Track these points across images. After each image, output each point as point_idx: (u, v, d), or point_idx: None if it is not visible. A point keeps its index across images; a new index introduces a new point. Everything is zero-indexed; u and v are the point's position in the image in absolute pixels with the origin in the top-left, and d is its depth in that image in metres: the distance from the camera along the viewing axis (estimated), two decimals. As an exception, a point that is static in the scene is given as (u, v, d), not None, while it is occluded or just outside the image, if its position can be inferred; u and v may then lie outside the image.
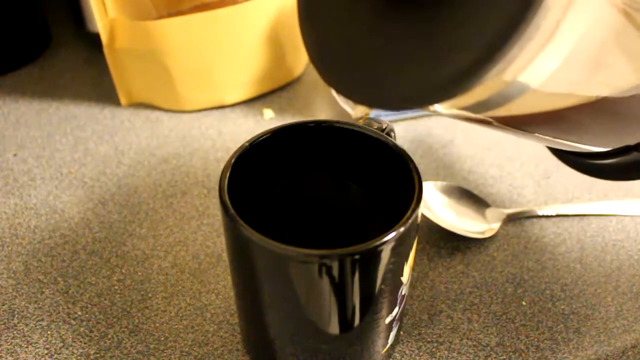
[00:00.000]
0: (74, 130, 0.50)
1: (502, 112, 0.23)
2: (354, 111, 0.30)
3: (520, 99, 0.22)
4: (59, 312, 0.38)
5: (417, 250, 0.40)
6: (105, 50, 0.49)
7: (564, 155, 0.33)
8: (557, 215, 0.43)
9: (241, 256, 0.30)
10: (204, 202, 0.44)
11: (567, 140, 0.28)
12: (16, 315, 0.37)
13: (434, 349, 0.36)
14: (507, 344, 0.36)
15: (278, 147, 0.33)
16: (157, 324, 0.37)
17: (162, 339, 0.36)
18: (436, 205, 0.42)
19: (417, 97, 0.21)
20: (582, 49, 0.21)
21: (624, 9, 0.21)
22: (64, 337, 0.36)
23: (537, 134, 0.28)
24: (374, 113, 0.50)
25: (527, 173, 0.47)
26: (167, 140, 0.49)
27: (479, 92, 0.20)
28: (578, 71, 0.22)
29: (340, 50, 0.25)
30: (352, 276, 0.28)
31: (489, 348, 0.36)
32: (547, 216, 0.43)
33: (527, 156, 0.48)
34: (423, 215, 0.41)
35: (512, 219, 0.43)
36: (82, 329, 0.37)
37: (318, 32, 0.26)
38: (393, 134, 0.35)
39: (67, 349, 0.36)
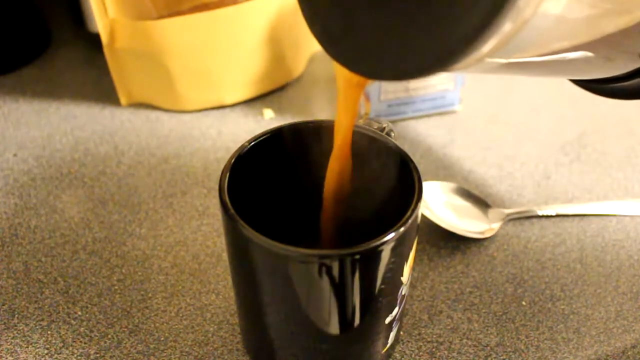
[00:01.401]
0: (74, 130, 0.50)
1: (532, 51, 0.23)
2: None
3: (547, 34, 0.22)
4: (59, 312, 0.38)
5: (417, 250, 0.40)
6: (105, 50, 0.49)
7: (586, 84, 0.33)
8: (557, 215, 0.43)
9: (241, 256, 0.30)
10: (204, 202, 0.44)
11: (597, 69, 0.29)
12: (16, 315, 0.37)
13: (434, 349, 0.36)
14: (507, 344, 0.36)
15: (278, 147, 0.33)
16: (157, 324, 0.37)
17: (162, 339, 0.36)
18: (436, 205, 0.42)
19: (424, 65, 0.21)
20: None
21: None
22: (64, 337, 0.36)
23: (569, 69, 0.28)
24: (373, 113, 0.50)
25: (527, 173, 0.47)
26: (167, 140, 0.49)
27: (501, 39, 0.20)
28: None
29: (342, 24, 0.24)
30: (352, 276, 0.28)
31: (489, 348, 0.36)
32: (547, 216, 0.43)
33: (527, 156, 0.48)
34: (423, 215, 0.41)
35: (512, 219, 0.43)
36: (82, 329, 0.37)
37: (317, 7, 0.26)
38: (393, 134, 0.35)
39: (67, 349, 0.36)
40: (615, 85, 0.31)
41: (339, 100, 0.30)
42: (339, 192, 0.32)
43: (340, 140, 0.30)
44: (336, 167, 0.31)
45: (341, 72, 0.29)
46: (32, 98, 0.53)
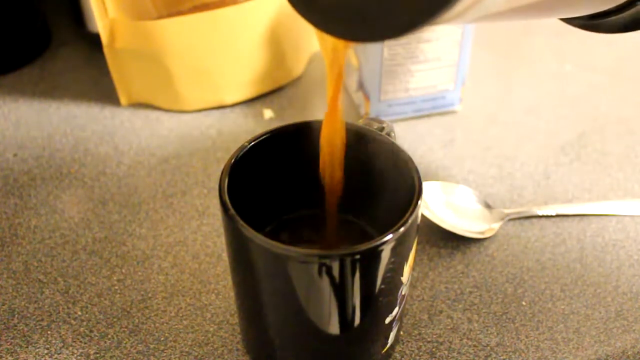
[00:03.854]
0: (74, 130, 0.50)
1: None
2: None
3: None
4: (59, 312, 0.38)
5: (417, 250, 0.40)
6: (105, 50, 0.49)
7: (579, 22, 0.33)
8: (557, 215, 0.43)
9: (241, 256, 0.30)
10: (204, 202, 0.44)
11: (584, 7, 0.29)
12: (16, 315, 0.37)
13: (434, 349, 0.36)
14: (507, 344, 0.36)
15: (278, 147, 0.33)
16: (157, 324, 0.37)
17: (162, 339, 0.36)
18: (436, 205, 0.42)
19: (413, 19, 0.21)
20: None
21: None
22: (64, 337, 0.36)
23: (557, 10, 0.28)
24: (373, 113, 0.50)
25: (527, 173, 0.47)
26: (167, 140, 0.49)
27: None
28: None
29: None
30: (352, 276, 0.28)
31: (489, 348, 0.36)
32: (547, 216, 0.43)
33: (527, 156, 0.48)
34: (423, 215, 0.41)
35: (512, 219, 0.43)
36: (82, 329, 0.37)
37: None
38: (393, 134, 0.35)
39: (67, 349, 0.36)
40: (609, 19, 0.30)
41: (328, 62, 0.29)
42: (332, 165, 0.32)
43: (331, 96, 0.30)
44: (327, 131, 0.31)
45: (328, 40, 0.28)
46: (32, 98, 0.53)
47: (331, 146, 0.32)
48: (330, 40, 0.29)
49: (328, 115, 0.31)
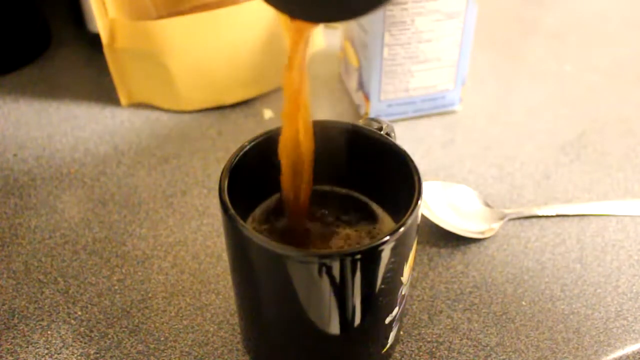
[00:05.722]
0: (74, 130, 0.50)
1: None
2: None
3: None
4: (59, 312, 0.38)
5: (417, 250, 0.40)
6: (105, 50, 0.49)
7: None
8: (557, 215, 0.43)
9: (241, 256, 0.30)
10: (204, 202, 0.44)
11: None
12: (16, 315, 0.37)
13: (434, 349, 0.36)
14: (507, 344, 0.36)
15: (278, 147, 0.33)
16: (157, 324, 0.37)
17: (162, 339, 0.36)
18: (436, 205, 0.42)
19: None
20: None
21: None
22: (64, 337, 0.36)
23: None
24: (373, 113, 0.50)
25: (527, 173, 0.47)
26: (167, 140, 0.49)
27: None
28: None
29: None
30: (352, 276, 0.28)
31: (489, 348, 0.36)
32: (547, 216, 0.43)
33: (527, 156, 0.48)
34: (423, 215, 0.41)
35: (512, 219, 0.43)
36: (82, 329, 0.37)
37: None
38: (393, 134, 0.35)
39: (67, 349, 0.36)
40: None
41: (291, 44, 0.28)
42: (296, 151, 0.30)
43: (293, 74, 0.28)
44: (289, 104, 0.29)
45: (290, 24, 0.27)
46: (32, 98, 0.53)
47: (293, 158, 0.30)
48: (291, 23, 0.27)
49: (286, 115, 0.29)
